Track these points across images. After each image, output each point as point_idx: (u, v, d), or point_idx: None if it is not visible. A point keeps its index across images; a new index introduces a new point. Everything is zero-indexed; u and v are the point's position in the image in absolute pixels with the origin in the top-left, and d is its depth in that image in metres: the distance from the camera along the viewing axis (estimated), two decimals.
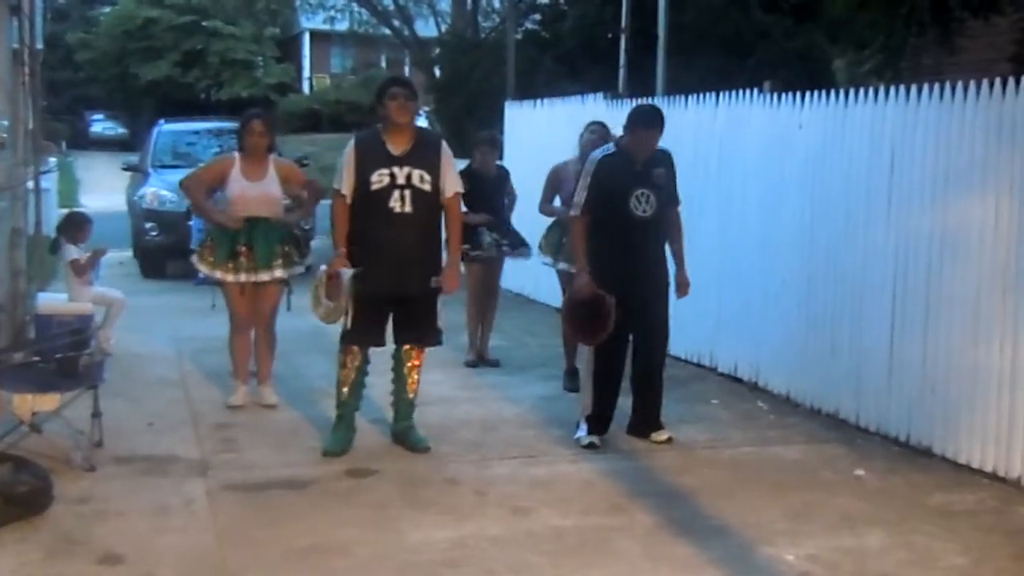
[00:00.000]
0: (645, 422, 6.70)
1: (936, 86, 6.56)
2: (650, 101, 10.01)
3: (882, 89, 7.01)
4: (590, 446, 6.46)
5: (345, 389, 6.30)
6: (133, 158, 16.41)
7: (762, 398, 7.83)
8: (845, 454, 6.53)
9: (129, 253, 14.74)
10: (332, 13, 20.22)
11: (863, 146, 7.08)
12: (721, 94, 8.66)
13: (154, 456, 6.23)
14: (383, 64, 33.61)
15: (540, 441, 6.74)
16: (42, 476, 5.37)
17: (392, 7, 17.88)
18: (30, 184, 9.93)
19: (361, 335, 6.19)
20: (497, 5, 18.11)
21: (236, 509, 5.47)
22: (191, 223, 11.26)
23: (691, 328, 8.60)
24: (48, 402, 5.97)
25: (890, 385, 6.83)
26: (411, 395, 6.44)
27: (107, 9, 40.25)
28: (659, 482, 5.96)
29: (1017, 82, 6.04)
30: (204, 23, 34.37)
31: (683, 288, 6.70)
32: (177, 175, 13.28)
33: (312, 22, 26.03)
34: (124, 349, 8.70)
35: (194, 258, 7.30)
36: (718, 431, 7.06)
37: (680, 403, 7.41)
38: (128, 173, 16.02)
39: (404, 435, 6.43)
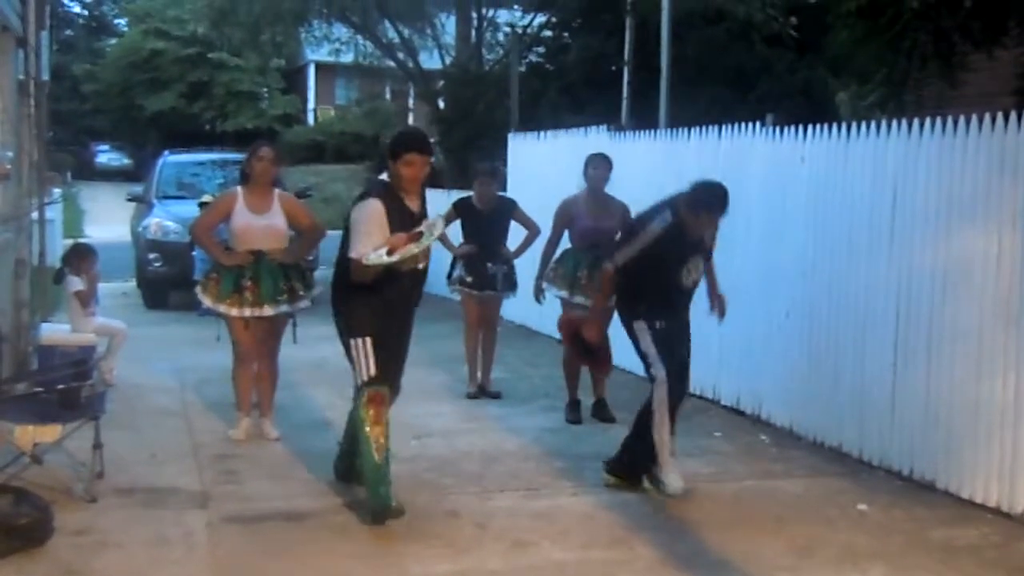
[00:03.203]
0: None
1: (938, 119, 6.58)
2: (652, 134, 10.08)
3: (884, 122, 7.04)
4: (685, 493, 6.21)
5: (378, 452, 5.66)
6: (138, 189, 16.48)
7: (765, 431, 7.82)
8: (848, 488, 6.52)
9: (132, 284, 14.78)
10: (337, 45, 20.28)
11: (866, 179, 7.10)
12: (724, 127, 8.70)
13: (155, 487, 6.23)
14: (388, 96, 33.76)
15: (542, 473, 6.73)
16: (42, 507, 5.37)
17: (397, 40, 17.94)
18: (35, 215, 9.98)
19: (390, 373, 5.84)
20: (501, 38, 18.20)
21: (236, 541, 5.46)
22: (195, 254, 11.30)
23: (694, 361, 8.57)
24: (49, 433, 5.97)
25: (893, 419, 6.82)
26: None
27: (113, 41, 40.52)
28: (661, 515, 5.95)
29: (1019, 115, 6.06)
30: (209, 55, 34.51)
31: (722, 309, 6.79)
32: (181, 206, 13.46)
33: (317, 54, 26.17)
34: (126, 380, 8.72)
35: (198, 289, 7.31)
36: (721, 464, 7.05)
37: (683, 436, 7.37)
38: (132, 204, 16.06)
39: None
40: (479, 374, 8.84)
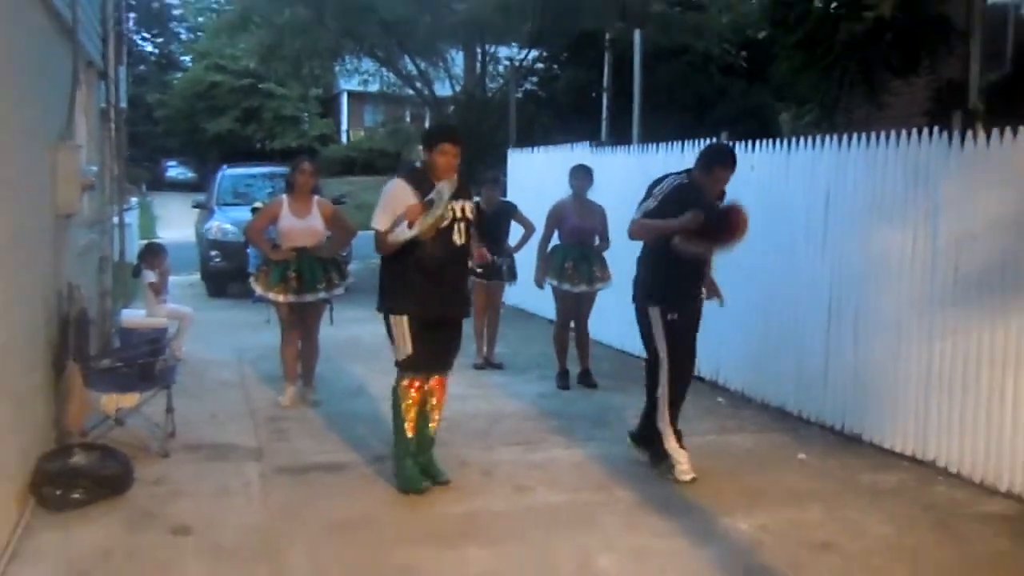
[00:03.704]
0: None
1: (864, 135, 6.58)
2: (627, 148, 10.06)
3: (819, 138, 7.03)
4: (692, 480, 5.60)
5: (409, 425, 5.38)
6: (201, 197, 16.42)
7: (722, 395, 7.83)
8: (790, 441, 6.53)
9: (197, 276, 14.76)
10: (365, 76, 20.24)
11: (803, 185, 7.10)
12: (686, 142, 8.67)
13: (217, 444, 6.25)
14: (407, 118, 33.71)
15: (538, 431, 6.74)
16: (124, 462, 5.39)
17: (415, 72, 17.88)
18: (115, 219, 9.98)
19: (430, 361, 5.37)
20: (501, 69, 18.15)
21: (285, 488, 5.48)
22: (248, 251, 11.29)
23: None
24: (129, 400, 5.99)
25: (826, 384, 6.83)
26: (432, 434, 5.61)
27: (180, 74, 40.36)
28: (636, 466, 5.95)
29: (931, 132, 6.06)
30: (260, 85, 34.42)
31: (719, 294, 6.17)
32: (237, 212, 13.41)
33: (349, 84, 26.08)
34: (193, 356, 8.72)
35: (251, 280, 7.31)
36: (684, 423, 6.98)
37: None
38: (196, 210, 16.05)
39: (426, 468, 5.52)
40: (485, 349, 8.85)
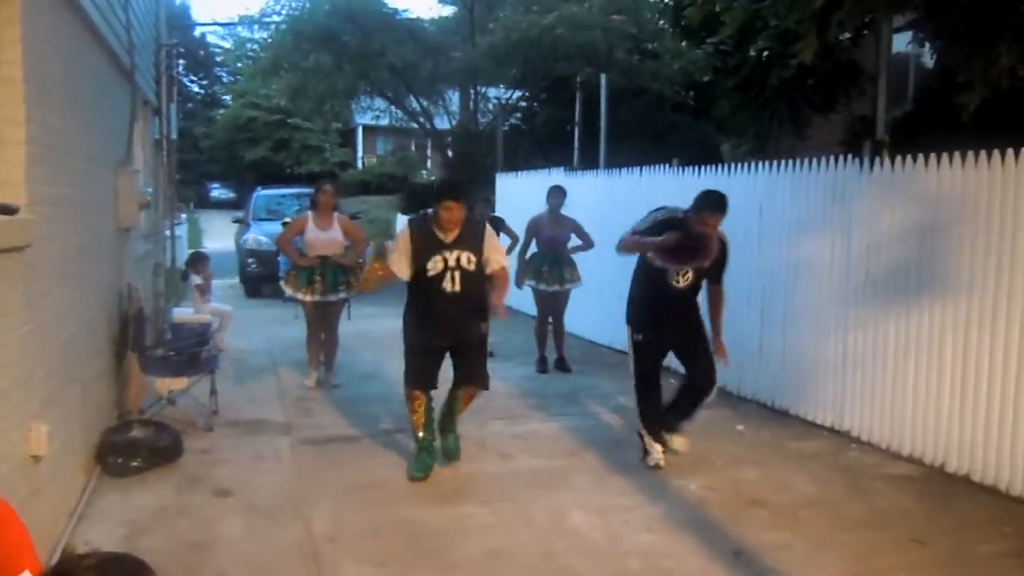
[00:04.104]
0: (674, 419, 5.48)
1: (791, 162, 6.61)
2: (595, 172, 10.07)
3: (754, 164, 7.06)
4: (656, 467, 5.26)
5: (420, 431, 5.15)
6: (239, 214, 16.37)
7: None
8: (730, 415, 6.54)
9: (236, 280, 14.71)
10: (377, 113, 20.18)
11: (741, 203, 7.09)
12: (644, 168, 8.70)
13: (253, 420, 6.24)
14: (412, 148, 33.68)
15: (521, 408, 6.74)
16: (176, 435, 5.38)
17: (418, 108, 17.89)
18: (167, 232, 9.93)
19: (421, 379, 5.06)
20: (490, 107, 18.14)
21: (310, 456, 5.47)
22: (279, 258, 11.25)
23: (619, 325, 8.58)
24: (180, 383, 5.98)
25: (760, 365, 6.86)
26: (456, 423, 5.39)
27: (222, 111, 40.18)
28: (603, 436, 5.97)
29: (846, 159, 6.10)
30: (289, 120, 34.24)
31: (720, 352, 5.34)
32: (270, 226, 13.37)
33: (363, 119, 25.95)
34: (233, 346, 8.69)
35: (282, 283, 7.31)
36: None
37: (612, 382, 7.40)
38: (236, 224, 16.00)
39: (450, 449, 5.35)
40: None
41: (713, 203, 5.12)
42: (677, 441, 5.44)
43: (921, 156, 5.46)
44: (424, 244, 4.93)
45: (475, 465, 5.32)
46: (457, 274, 4.93)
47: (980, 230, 5.03)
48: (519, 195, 11.55)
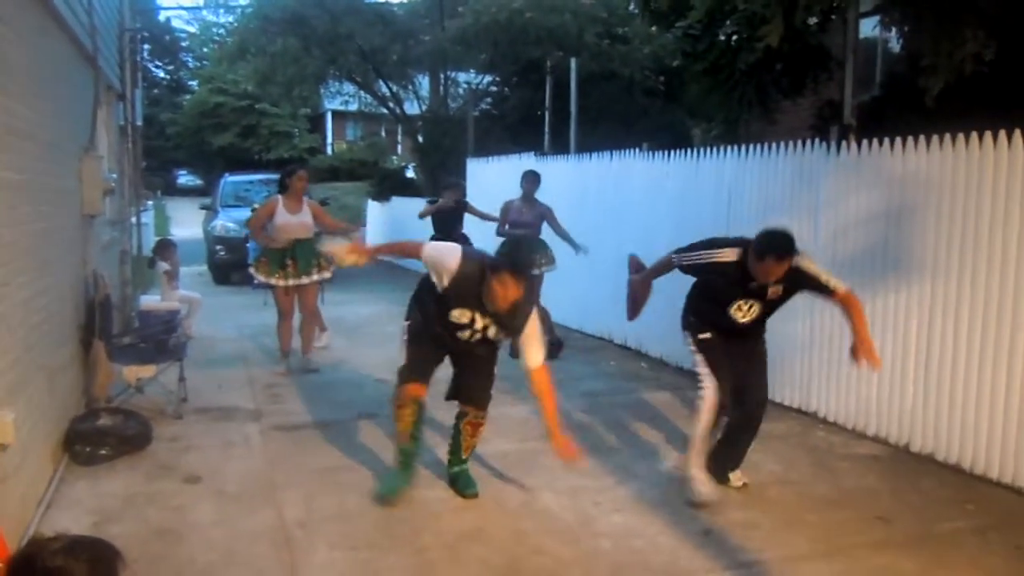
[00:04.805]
0: (729, 459, 4.80)
1: (759, 146, 6.67)
2: (566, 157, 10.09)
3: (723, 148, 7.12)
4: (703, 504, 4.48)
5: (403, 442, 4.57)
6: (207, 201, 16.22)
7: (645, 360, 7.91)
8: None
9: (204, 267, 14.59)
10: (346, 98, 20.01)
11: (711, 186, 7.18)
12: (614, 152, 8.74)
13: (223, 407, 6.21)
14: (383, 133, 33.47)
15: (494, 392, 6.72)
16: (144, 423, 5.34)
17: (388, 93, 17.77)
18: (134, 219, 9.82)
19: (415, 369, 4.41)
20: (461, 91, 18.07)
21: (280, 443, 5.46)
22: (248, 245, 11.18)
23: (596, 313, 8.67)
24: (148, 371, 5.93)
25: None
26: (461, 458, 4.75)
27: (188, 96, 39.66)
28: (573, 419, 6.00)
29: (814, 143, 6.16)
30: (256, 106, 33.88)
31: (871, 358, 4.30)
32: (239, 212, 13.26)
33: (332, 104, 25.72)
34: (201, 333, 8.63)
35: (251, 269, 7.28)
36: (614, 383, 7.13)
37: (588, 365, 7.46)
38: (203, 211, 15.85)
39: (455, 479, 4.72)
40: None
41: (778, 247, 4.16)
42: (739, 479, 4.80)
43: (887, 140, 5.53)
44: (464, 290, 4.16)
45: (445, 448, 5.32)
46: (478, 336, 4.31)
47: (944, 213, 5.12)
48: (490, 181, 11.55)
